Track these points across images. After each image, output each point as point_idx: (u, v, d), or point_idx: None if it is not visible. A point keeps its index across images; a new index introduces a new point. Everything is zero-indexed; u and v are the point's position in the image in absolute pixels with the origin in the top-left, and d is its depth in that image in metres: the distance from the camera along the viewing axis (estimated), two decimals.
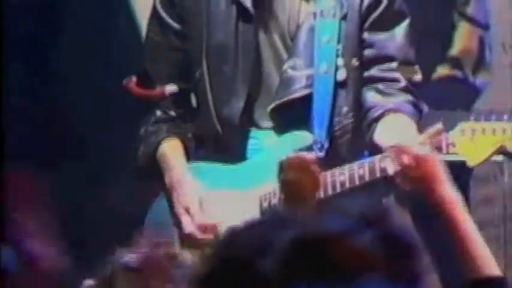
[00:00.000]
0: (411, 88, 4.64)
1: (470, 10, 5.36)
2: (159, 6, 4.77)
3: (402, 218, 4.31)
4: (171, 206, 4.66)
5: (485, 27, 5.39)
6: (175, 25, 4.73)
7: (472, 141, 4.43)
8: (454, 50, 5.37)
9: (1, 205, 4.02)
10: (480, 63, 5.42)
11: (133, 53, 5.32)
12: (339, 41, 4.57)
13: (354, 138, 4.62)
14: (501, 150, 4.47)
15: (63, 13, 6.51)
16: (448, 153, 4.36)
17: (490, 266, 3.82)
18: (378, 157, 4.35)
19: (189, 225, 4.54)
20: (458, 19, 5.35)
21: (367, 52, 4.61)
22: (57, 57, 6.45)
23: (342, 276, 2.76)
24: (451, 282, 4.32)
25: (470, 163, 4.47)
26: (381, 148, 4.42)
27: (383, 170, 4.29)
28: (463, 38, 5.38)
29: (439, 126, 4.30)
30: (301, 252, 2.82)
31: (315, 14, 4.57)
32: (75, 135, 6.32)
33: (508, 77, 5.77)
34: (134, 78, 4.65)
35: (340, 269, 2.79)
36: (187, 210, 4.53)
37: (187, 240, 4.57)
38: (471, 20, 5.35)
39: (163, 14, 4.76)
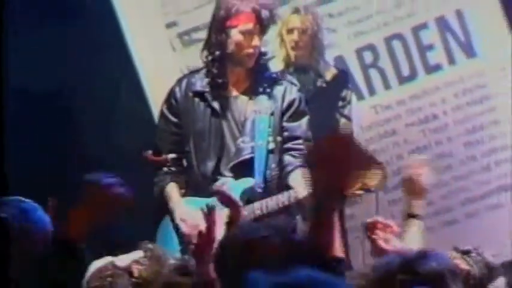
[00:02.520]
0: None
1: (346, 111, 5.37)
2: (165, 108, 4.69)
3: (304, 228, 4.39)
4: (173, 221, 4.58)
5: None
6: (174, 119, 4.65)
7: None
8: None
9: None
10: None
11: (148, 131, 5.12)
12: (269, 127, 4.55)
13: (278, 182, 4.56)
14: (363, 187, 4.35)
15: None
16: None
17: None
18: (292, 190, 4.42)
19: (185, 228, 4.50)
20: (339, 117, 5.40)
21: (285, 134, 4.58)
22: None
23: (267, 264, 2.83)
24: None
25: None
26: (292, 187, 4.47)
27: (295, 198, 4.38)
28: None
29: None
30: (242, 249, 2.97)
31: (255, 111, 4.57)
32: None
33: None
34: (150, 151, 4.66)
35: (264, 260, 2.93)
36: (183, 220, 4.52)
37: (186, 240, 4.49)
38: (347, 117, 5.41)
39: (167, 113, 4.68)
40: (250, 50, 4.51)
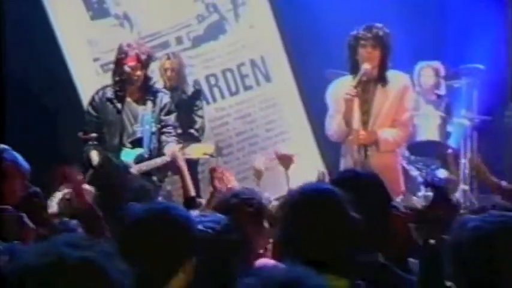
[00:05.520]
0: (177, 134, 4.52)
1: (199, 113, 5.13)
2: (89, 108, 4.51)
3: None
4: None
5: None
6: (94, 114, 4.47)
7: (194, 150, 4.31)
8: (197, 125, 5.11)
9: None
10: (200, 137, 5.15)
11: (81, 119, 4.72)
12: (152, 118, 4.40)
13: (158, 152, 4.41)
14: (208, 154, 4.32)
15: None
16: (190, 154, 4.24)
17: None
18: (164, 156, 4.31)
19: None
20: (195, 116, 5.12)
21: (162, 123, 4.44)
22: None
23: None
24: None
25: (193, 157, 4.35)
26: (165, 154, 4.33)
27: (166, 160, 4.26)
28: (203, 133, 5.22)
29: (179, 145, 4.29)
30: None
31: (144, 109, 4.42)
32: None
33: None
34: (81, 133, 4.48)
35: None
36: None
37: None
38: (199, 116, 5.13)
39: (91, 110, 4.50)
40: (135, 77, 4.40)
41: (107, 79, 4.89)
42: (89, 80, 5.58)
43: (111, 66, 5.05)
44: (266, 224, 2.62)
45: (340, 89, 4.03)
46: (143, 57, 4.40)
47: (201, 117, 5.19)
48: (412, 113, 4.13)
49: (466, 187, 5.00)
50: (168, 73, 5.11)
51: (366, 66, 3.91)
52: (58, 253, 1.05)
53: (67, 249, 1.05)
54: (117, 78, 4.47)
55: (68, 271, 1.03)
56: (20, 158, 2.72)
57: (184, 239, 1.66)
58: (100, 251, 1.07)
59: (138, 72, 4.41)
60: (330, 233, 1.66)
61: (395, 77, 4.03)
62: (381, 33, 3.90)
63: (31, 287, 1.03)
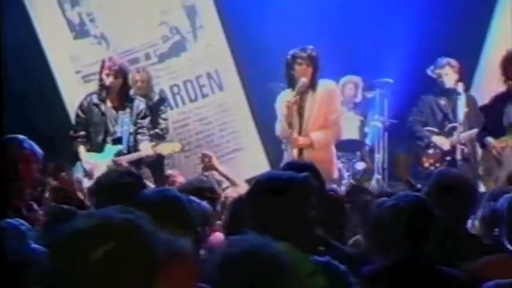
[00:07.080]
0: (153, 135, 4.59)
1: (163, 116, 5.04)
2: (79, 111, 4.51)
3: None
4: (81, 164, 4.42)
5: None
6: (83, 116, 4.48)
7: (164, 148, 4.43)
8: (162, 126, 4.99)
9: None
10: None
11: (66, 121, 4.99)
12: (130, 121, 4.42)
13: (135, 148, 4.44)
14: (175, 151, 4.52)
15: None
16: (160, 150, 4.37)
17: None
18: (139, 152, 4.40)
19: (87, 167, 4.33)
20: (160, 119, 4.98)
21: (138, 125, 4.46)
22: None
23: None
24: None
25: (163, 153, 4.41)
26: (139, 150, 4.41)
27: (140, 155, 4.33)
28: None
29: (151, 143, 4.38)
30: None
31: (123, 113, 4.44)
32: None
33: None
34: (72, 131, 4.50)
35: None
36: (87, 163, 4.38)
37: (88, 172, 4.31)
38: (163, 118, 5.00)
39: (80, 113, 4.50)
40: (108, 83, 4.41)
41: (87, 88, 5.07)
42: (72, 89, 5.61)
43: (91, 77, 5.21)
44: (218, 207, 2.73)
45: (284, 99, 4.22)
46: (114, 67, 4.41)
47: (166, 119, 5.18)
48: (339, 114, 4.26)
49: (379, 176, 5.29)
50: (138, 84, 5.12)
51: (303, 80, 4.07)
52: (104, 215, 1.05)
53: (112, 212, 1.05)
54: (99, 86, 4.50)
55: (111, 228, 1.03)
56: (35, 146, 2.67)
57: (186, 216, 1.75)
58: (139, 215, 1.07)
59: (111, 79, 4.39)
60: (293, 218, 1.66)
61: (323, 85, 4.20)
62: (313, 54, 4.09)
63: (82, 244, 1.03)
